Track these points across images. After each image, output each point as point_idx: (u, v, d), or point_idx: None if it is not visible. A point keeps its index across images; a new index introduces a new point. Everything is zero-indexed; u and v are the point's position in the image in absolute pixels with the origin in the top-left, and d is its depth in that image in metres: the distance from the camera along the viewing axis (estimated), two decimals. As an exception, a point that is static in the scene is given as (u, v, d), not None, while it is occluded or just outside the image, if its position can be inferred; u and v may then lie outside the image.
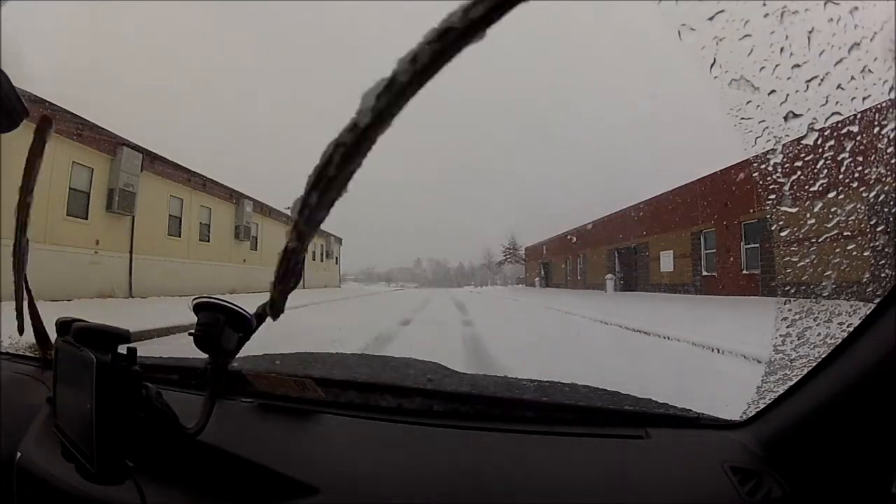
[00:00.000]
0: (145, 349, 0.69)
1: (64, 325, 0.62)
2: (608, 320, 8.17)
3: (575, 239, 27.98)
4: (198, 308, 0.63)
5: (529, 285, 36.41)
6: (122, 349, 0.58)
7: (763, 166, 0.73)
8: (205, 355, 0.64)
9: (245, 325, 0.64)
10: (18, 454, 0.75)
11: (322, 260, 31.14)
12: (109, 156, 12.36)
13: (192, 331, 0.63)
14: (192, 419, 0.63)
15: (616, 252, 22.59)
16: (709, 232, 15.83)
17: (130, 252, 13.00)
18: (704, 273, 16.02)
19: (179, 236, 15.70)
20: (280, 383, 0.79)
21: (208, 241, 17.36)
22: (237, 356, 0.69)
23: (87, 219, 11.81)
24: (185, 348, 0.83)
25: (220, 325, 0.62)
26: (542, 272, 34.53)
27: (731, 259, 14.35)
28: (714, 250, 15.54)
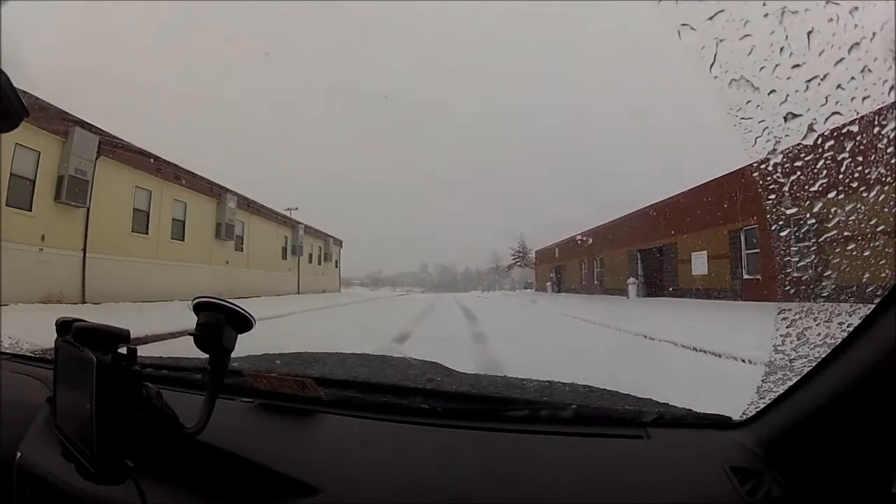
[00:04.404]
0: (143, 350, 0.69)
1: (64, 325, 0.62)
2: (642, 332, 6.67)
3: (591, 241, 25.44)
4: (198, 308, 0.63)
5: (540, 290, 34.08)
6: (123, 349, 0.58)
7: (762, 167, 0.73)
8: (205, 355, 0.64)
9: (245, 325, 0.64)
10: (18, 454, 0.75)
11: (319, 263, 28.88)
12: (61, 138, 10.49)
13: (193, 331, 0.63)
14: (192, 419, 0.63)
15: (638, 254, 20.20)
16: (750, 230, 13.31)
17: (84, 250, 10.97)
18: (746, 276, 13.65)
19: (146, 233, 13.49)
20: (280, 383, 0.79)
21: (182, 239, 15.15)
22: (237, 356, 0.69)
23: (30, 210, 10.03)
24: (184, 349, 0.83)
25: (220, 324, 0.62)
26: (554, 276, 31.99)
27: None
28: (757, 250, 13.13)
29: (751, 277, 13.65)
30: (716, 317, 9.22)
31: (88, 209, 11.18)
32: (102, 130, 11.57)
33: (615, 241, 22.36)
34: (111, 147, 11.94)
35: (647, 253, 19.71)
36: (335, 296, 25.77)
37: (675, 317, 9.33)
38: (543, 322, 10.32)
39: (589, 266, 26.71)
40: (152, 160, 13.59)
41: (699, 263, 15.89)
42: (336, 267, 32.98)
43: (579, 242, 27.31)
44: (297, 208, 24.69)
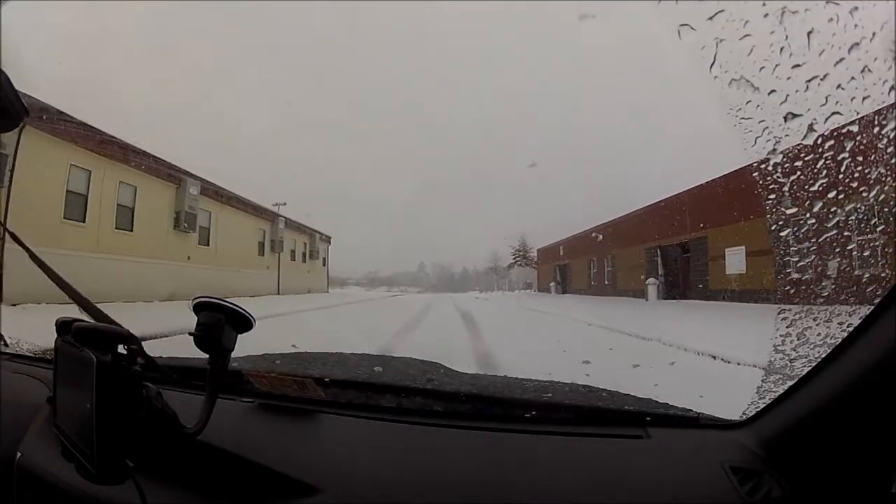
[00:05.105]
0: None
1: (64, 325, 0.62)
2: (707, 351, 4.98)
3: (602, 237, 22.18)
4: (198, 308, 0.63)
5: (543, 291, 31.12)
6: (123, 349, 0.58)
7: (762, 166, 0.73)
8: (205, 355, 0.64)
9: (245, 325, 0.64)
10: (18, 454, 0.75)
11: (304, 261, 25.56)
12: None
13: (193, 330, 0.63)
14: (192, 419, 0.63)
15: (659, 250, 17.61)
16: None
17: (2, 239, 8.15)
18: (795, 276, 12.23)
19: (83, 221, 11.12)
20: (280, 383, 0.79)
21: (130, 229, 12.82)
22: (237, 356, 0.69)
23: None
24: (184, 349, 0.82)
25: (220, 324, 0.62)
26: (559, 276, 29.34)
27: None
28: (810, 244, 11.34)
29: (801, 277, 11.47)
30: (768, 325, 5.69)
31: (9, 189, 9.04)
32: (27, 95, 8.20)
33: (630, 236, 19.64)
34: (40, 116, 9.54)
35: (668, 249, 17.21)
36: (320, 297, 22.66)
37: (729, 326, 7.23)
38: (564, 333, 7.79)
39: (599, 265, 23.99)
40: (94, 135, 11.14)
41: (735, 260, 13.31)
42: (324, 265, 29.29)
43: (588, 239, 24.27)
44: (285, 203, 22.10)
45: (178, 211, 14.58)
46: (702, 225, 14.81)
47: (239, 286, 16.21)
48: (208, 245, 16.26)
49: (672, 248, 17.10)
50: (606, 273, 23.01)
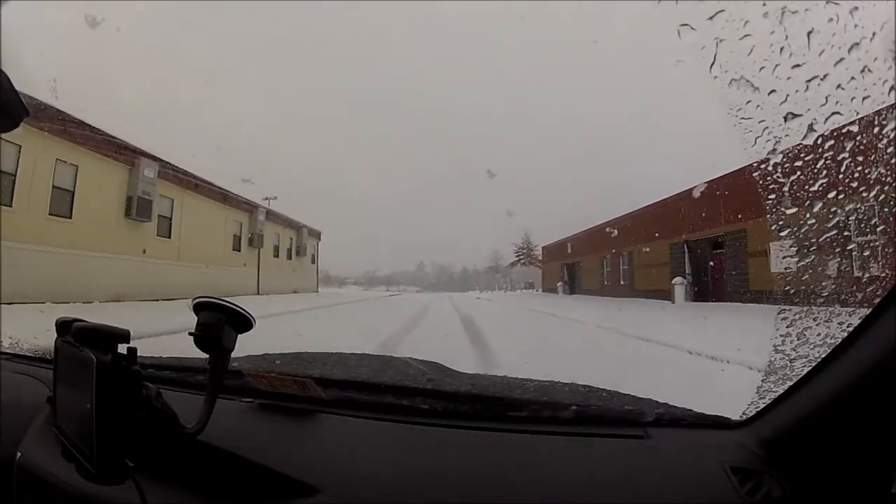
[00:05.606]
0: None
1: (64, 325, 0.62)
2: None
3: (617, 232, 19.89)
4: (198, 308, 0.63)
5: (549, 291, 28.91)
6: (123, 349, 0.58)
7: (763, 166, 0.73)
8: (205, 355, 0.64)
9: (245, 325, 0.64)
10: (18, 454, 0.75)
11: (290, 258, 22.78)
12: None
13: (193, 330, 0.63)
14: (192, 419, 0.63)
15: (685, 246, 15.59)
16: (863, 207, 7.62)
17: None
18: (859, 274, 8.63)
19: (10, 205, 9.38)
20: (280, 383, 0.79)
21: (69, 216, 10.89)
22: (237, 356, 0.69)
23: None
24: (184, 349, 0.82)
25: (220, 324, 0.62)
26: (566, 275, 27.12)
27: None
28: (874, 237, 6.25)
29: (866, 276, 8.17)
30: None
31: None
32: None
33: (650, 231, 17.27)
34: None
35: (697, 245, 15.15)
36: (306, 297, 19.67)
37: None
38: (600, 351, 5.59)
39: (613, 263, 21.40)
40: (28, 105, 7.51)
41: (783, 256, 12.17)
42: (313, 263, 26.10)
43: (601, 235, 21.68)
44: (276, 197, 19.89)
45: (131, 196, 12.42)
46: (739, 216, 12.48)
47: (207, 285, 14.07)
48: (169, 237, 14.15)
49: (701, 243, 14.93)
50: (622, 272, 20.57)
